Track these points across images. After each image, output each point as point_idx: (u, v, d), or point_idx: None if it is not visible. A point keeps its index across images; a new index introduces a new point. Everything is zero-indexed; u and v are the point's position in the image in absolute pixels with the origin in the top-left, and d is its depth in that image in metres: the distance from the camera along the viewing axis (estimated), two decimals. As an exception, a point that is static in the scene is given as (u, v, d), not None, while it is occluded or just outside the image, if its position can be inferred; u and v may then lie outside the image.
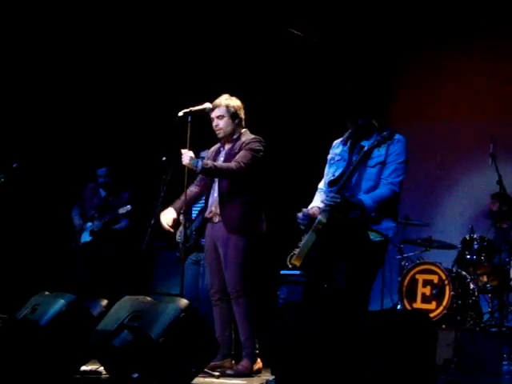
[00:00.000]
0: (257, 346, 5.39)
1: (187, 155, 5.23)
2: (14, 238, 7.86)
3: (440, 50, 8.93)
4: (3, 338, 4.86)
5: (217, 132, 5.49)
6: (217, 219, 5.41)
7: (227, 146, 5.52)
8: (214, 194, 5.44)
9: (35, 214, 8.04)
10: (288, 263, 4.65)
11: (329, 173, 4.75)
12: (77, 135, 8.27)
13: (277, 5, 8.23)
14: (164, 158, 5.40)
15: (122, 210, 7.40)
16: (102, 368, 4.76)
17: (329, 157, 4.79)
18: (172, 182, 5.40)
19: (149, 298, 4.65)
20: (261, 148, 5.41)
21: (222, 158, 5.48)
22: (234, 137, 5.50)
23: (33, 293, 5.20)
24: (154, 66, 8.50)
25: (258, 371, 5.37)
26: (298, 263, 4.54)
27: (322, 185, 4.83)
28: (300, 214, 4.62)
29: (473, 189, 8.53)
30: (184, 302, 4.41)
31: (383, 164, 4.51)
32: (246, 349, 5.34)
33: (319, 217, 4.48)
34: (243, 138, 5.44)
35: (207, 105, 5.45)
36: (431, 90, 9.05)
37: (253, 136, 5.47)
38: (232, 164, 5.30)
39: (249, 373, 5.28)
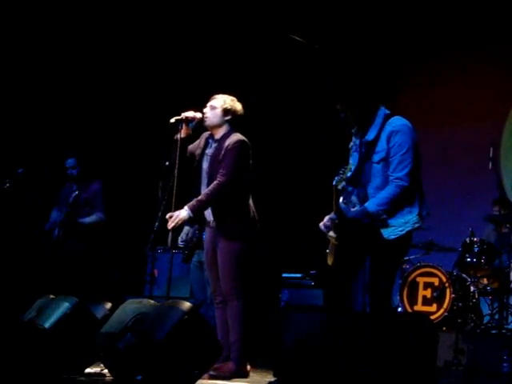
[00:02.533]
0: (246, 349, 5.35)
1: (177, 218, 5.21)
2: (18, 242, 7.87)
3: (440, 57, 8.97)
4: (9, 341, 4.89)
5: (204, 119, 5.43)
6: (212, 224, 5.39)
7: (214, 141, 5.43)
8: None
9: (39, 219, 8.03)
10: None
11: (350, 163, 4.71)
12: (79, 138, 8.30)
13: (280, 12, 8.27)
14: (167, 163, 5.41)
15: (70, 199, 7.12)
16: (105, 370, 4.79)
17: (350, 145, 4.75)
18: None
19: (152, 301, 4.69)
20: (244, 152, 5.33)
21: (206, 163, 5.41)
22: (219, 136, 5.40)
23: (37, 296, 5.23)
24: (158, 70, 8.55)
25: (246, 374, 5.33)
26: (331, 262, 4.61)
27: None
28: (322, 226, 4.64)
29: (473, 192, 8.56)
30: (187, 304, 4.44)
31: (386, 160, 4.48)
32: (233, 351, 5.30)
33: (330, 233, 4.54)
34: (227, 141, 5.32)
35: (200, 114, 5.41)
36: (431, 95, 9.09)
37: (236, 139, 5.33)
38: (214, 184, 5.24)
39: (232, 375, 5.22)
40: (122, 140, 8.49)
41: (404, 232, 4.48)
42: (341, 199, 4.54)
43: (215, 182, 5.26)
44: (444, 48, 8.95)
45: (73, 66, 8.26)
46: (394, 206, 4.46)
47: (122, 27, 8.23)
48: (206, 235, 5.52)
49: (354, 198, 4.56)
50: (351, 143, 4.75)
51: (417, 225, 4.52)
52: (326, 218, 4.65)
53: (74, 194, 7.13)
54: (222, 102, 5.42)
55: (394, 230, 4.48)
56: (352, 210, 4.51)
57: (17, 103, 8.01)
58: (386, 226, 4.47)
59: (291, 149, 8.69)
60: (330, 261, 4.64)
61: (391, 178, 4.48)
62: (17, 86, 7.97)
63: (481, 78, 8.78)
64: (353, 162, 4.66)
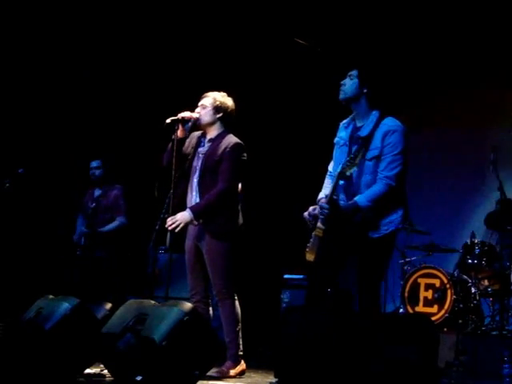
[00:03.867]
0: (241, 347, 5.35)
1: (179, 220, 5.19)
2: (18, 242, 7.87)
3: (442, 59, 8.96)
4: (8, 342, 4.88)
5: (198, 119, 5.41)
6: (197, 222, 5.32)
7: (207, 140, 5.40)
8: (193, 196, 5.37)
9: (40, 219, 8.04)
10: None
11: (335, 158, 4.71)
12: (82, 139, 8.31)
13: (283, 15, 8.28)
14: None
15: (90, 205, 7.23)
16: (106, 371, 4.79)
17: (335, 140, 4.75)
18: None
19: (153, 302, 4.67)
20: (243, 155, 5.34)
21: (197, 161, 5.37)
22: (213, 135, 5.39)
23: (37, 297, 5.23)
24: (157, 70, 8.57)
25: (242, 372, 5.34)
26: (311, 258, 4.55)
27: (331, 167, 4.80)
28: (306, 214, 4.60)
29: (474, 195, 8.57)
30: (188, 305, 4.44)
31: (378, 158, 4.47)
32: (229, 350, 5.31)
33: (318, 223, 4.50)
34: (224, 142, 5.31)
35: (197, 115, 5.39)
36: (433, 98, 9.09)
37: (233, 142, 5.32)
38: (218, 189, 5.22)
39: (230, 374, 5.23)
40: (121, 140, 8.50)
41: (388, 232, 4.50)
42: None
43: (218, 187, 5.25)
44: (446, 53, 8.94)
45: (73, 68, 8.29)
46: (380, 205, 4.46)
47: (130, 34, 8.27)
48: (189, 232, 5.42)
49: (341, 192, 4.54)
50: (336, 138, 4.74)
51: (400, 225, 4.55)
52: (311, 208, 4.61)
53: (91, 206, 7.22)
54: (212, 100, 5.40)
55: (379, 229, 4.48)
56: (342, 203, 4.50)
57: (21, 106, 8.05)
58: (372, 224, 4.46)
59: (295, 150, 8.68)
60: (310, 257, 4.55)
61: (380, 175, 4.48)
62: (20, 89, 8.00)
63: (482, 79, 8.78)
64: (339, 156, 4.65)
